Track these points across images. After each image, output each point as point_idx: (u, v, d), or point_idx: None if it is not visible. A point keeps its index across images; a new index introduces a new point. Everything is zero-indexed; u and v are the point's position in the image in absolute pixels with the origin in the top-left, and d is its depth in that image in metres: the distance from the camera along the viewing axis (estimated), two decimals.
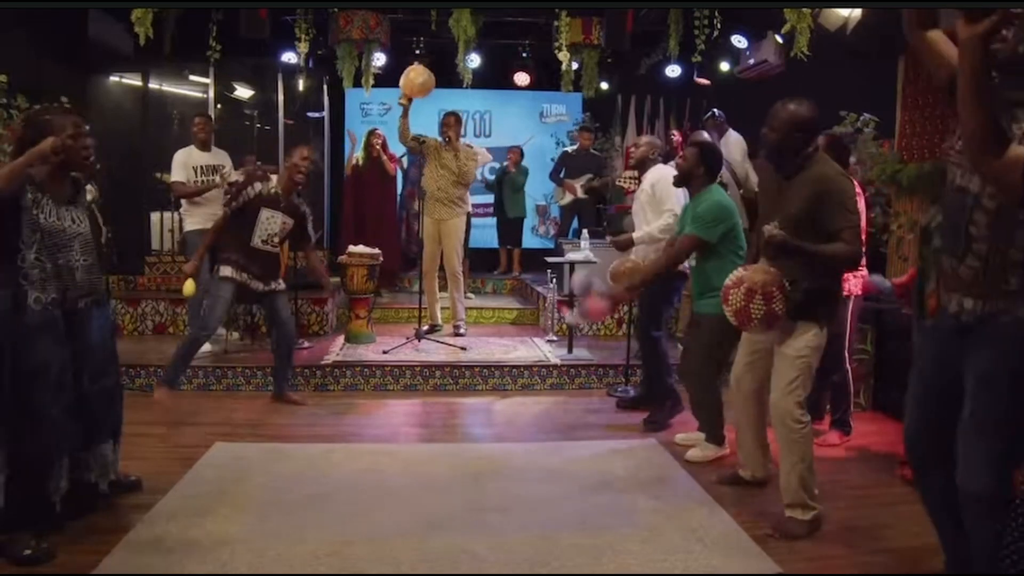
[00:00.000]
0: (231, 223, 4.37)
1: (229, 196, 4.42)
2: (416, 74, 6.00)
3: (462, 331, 6.29)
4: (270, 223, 4.40)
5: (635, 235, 4.57)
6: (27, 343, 2.70)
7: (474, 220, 8.37)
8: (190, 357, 4.40)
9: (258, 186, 4.36)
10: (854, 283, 4.04)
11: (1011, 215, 2.03)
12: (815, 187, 2.86)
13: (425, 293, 6.30)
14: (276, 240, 4.45)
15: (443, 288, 6.50)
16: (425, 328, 6.14)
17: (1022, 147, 1.87)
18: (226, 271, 4.29)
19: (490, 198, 8.94)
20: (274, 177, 4.49)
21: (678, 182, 3.96)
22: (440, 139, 6.18)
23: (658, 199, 4.46)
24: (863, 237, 3.97)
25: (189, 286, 4.32)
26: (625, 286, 3.90)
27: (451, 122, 6.15)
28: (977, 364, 2.13)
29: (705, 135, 5.68)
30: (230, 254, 4.37)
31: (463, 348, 5.73)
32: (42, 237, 2.75)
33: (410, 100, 6.04)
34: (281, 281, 4.53)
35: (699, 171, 3.81)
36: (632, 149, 5.03)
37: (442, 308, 6.51)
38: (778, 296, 2.83)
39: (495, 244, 9.11)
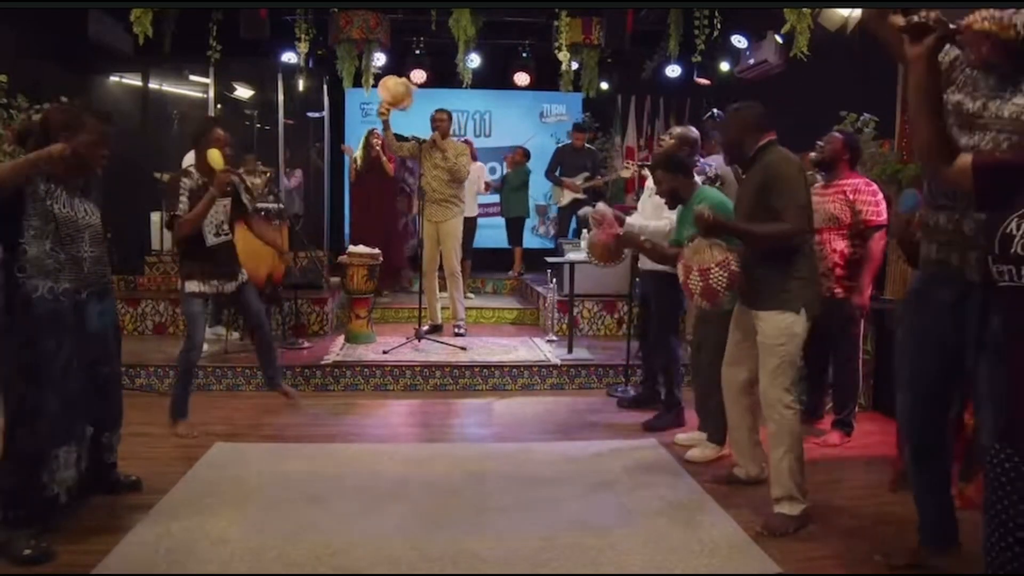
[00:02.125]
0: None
1: (170, 207, 4.07)
2: (394, 83, 6.01)
3: (462, 331, 6.28)
4: (215, 215, 4.12)
5: (630, 219, 4.44)
6: (35, 334, 2.72)
7: (480, 220, 8.37)
8: (190, 382, 4.29)
9: (186, 181, 4.05)
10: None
11: None
12: (761, 175, 3.06)
13: (425, 293, 6.29)
14: (226, 227, 4.21)
15: (443, 288, 6.50)
16: (426, 328, 6.13)
17: (967, 155, 1.98)
18: (192, 286, 4.09)
19: (496, 198, 8.95)
20: (192, 169, 4.15)
21: (670, 205, 3.92)
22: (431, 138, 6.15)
23: (661, 204, 4.36)
24: (882, 234, 3.96)
25: (215, 157, 3.98)
26: (636, 243, 3.89)
27: (442, 117, 6.10)
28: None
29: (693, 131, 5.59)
30: (191, 265, 4.13)
31: (463, 348, 5.72)
32: (56, 227, 2.78)
33: (389, 111, 6.03)
34: (244, 271, 4.31)
35: (677, 182, 3.79)
36: (661, 142, 4.93)
37: (442, 308, 6.51)
38: (716, 272, 3.01)
39: (500, 244, 9.10)
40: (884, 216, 3.95)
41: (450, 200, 6.19)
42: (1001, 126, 2.18)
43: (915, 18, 1.98)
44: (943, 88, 2.26)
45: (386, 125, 6.13)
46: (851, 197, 3.93)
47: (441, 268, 6.34)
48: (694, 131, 4.57)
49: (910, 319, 2.51)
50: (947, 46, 2.30)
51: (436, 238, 6.21)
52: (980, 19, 2.04)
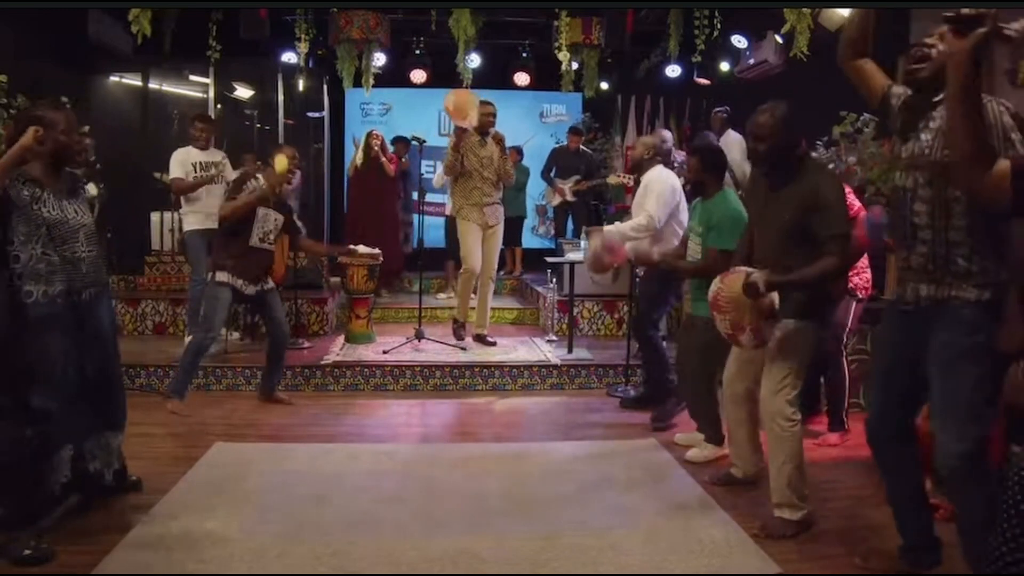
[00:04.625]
0: (228, 226, 4.34)
1: (233, 189, 4.42)
2: (461, 97, 5.63)
3: (490, 340, 5.93)
4: (266, 220, 4.41)
5: (607, 228, 4.49)
6: (34, 338, 2.73)
7: None
8: (197, 364, 4.36)
9: (253, 183, 4.35)
10: (856, 282, 4.03)
11: (944, 201, 2.23)
12: (807, 199, 2.81)
13: (462, 294, 5.85)
14: (272, 237, 4.46)
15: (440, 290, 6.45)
16: (457, 326, 5.86)
17: (1005, 160, 1.95)
18: (222, 276, 4.27)
19: None
20: (260, 176, 4.44)
21: (693, 193, 3.94)
22: (478, 134, 5.64)
23: (641, 199, 4.42)
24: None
25: (282, 162, 4.28)
26: (654, 260, 3.89)
27: (492, 111, 5.63)
28: (937, 349, 2.29)
29: (712, 137, 5.68)
30: (226, 258, 4.34)
31: (463, 348, 5.71)
32: (48, 230, 2.78)
33: (462, 128, 5.55)
34: (271, 280, 4.51)
35: (709, 177, 3.79)
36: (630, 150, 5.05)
37: (446, 307, 6.43)
38: (768, 329, 2.86)
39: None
40: (856, 206, 3.92)
41: (498, 202, 5.79)
42: (907, 164, 2.30)
43: (964, 10, 1.88)
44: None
45: (456, 147, 5.60)
46: None
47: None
48: (657, 139, 4.67)
49: (879, 337, 2.64)
50: (903, 90, 2.39)
51: (480, 239, 5.73)
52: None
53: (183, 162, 5.58)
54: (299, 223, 4.76)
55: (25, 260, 2.74)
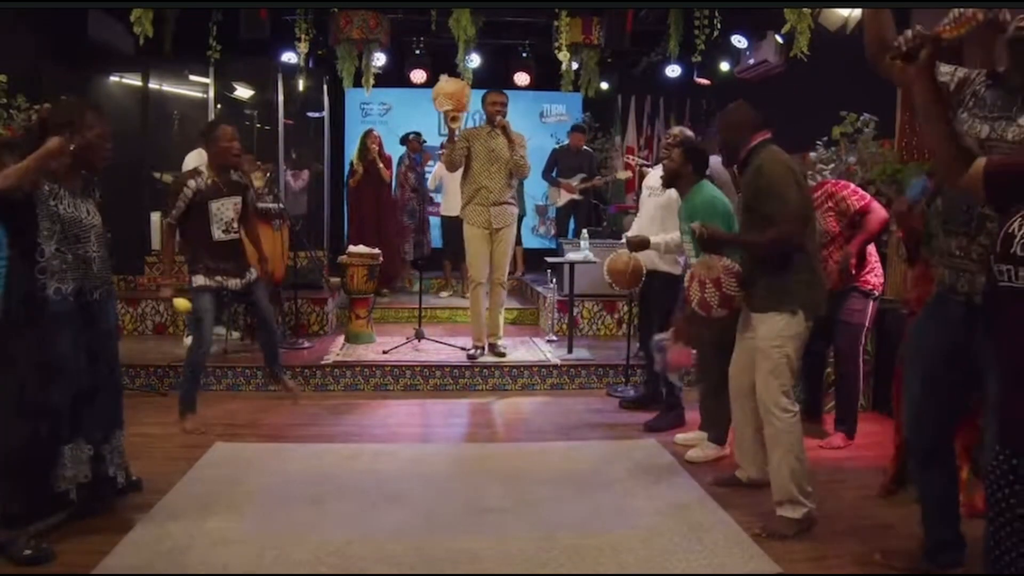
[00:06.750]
0: (186, 228, 4.19)
1: (167, 206, 4.21)
2: (452, 84, 5.33)
3: (502, 350, 5.55)
4: (222, 211, 4.20)
5: (654, 239, 4.25)
6: (45, 335, 2.73)
7: None
8: (198, 379, 4.29)
9: (192, 184, 4.14)
10: (875, 282, 4.03)
11: None
12: (753, 178, 3.07)
13: (472, 307, 5.52)
14: (235, 226, 4.27)
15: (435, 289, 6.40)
16: (473, 351, 5.49)
17: (981, 160, 1.99)
18: (198, 280, 4.13)
19: None
20: (203, 168, 4.24)
21: (667, 183, 3.96)
22: (488, 126, 5.35)
23: (661, 206, 4.36)
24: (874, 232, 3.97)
25: (181, 304, 4.19)
26: (686, 317, 3.74)
27: (503, 100, 5.29)
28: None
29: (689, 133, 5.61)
30: (198, 261, 4.18)
31: (463, 348, 5.71)
32: (62, 228, 2.78)
33: (456, 118, 5.24)
34: (253, 269, 4.37)
35: (686, 170, 3.84)
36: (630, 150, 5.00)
37: (446, 307, 6.40)
38: (727, 280, 3.04)
39: None
40: (867, 198, 3.96)
41: (509, 202, 5.36)
42: (1006, 150, 2.16)
43: (899, 44, 2.01)
44: (952, 109, 2.27)
45: (451, 137, 5.33)
46: (829, 204, 3.95)
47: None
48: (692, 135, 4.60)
49: (921, 334, 2.52)
50: (954, 68, 2.31)
51: (488, 243, 5.38)
52: (944, 27, 2.04)
53: (199, 163, 5.54)
54: (251, 201, 4.45)
55: (49, 255, 2.75)
